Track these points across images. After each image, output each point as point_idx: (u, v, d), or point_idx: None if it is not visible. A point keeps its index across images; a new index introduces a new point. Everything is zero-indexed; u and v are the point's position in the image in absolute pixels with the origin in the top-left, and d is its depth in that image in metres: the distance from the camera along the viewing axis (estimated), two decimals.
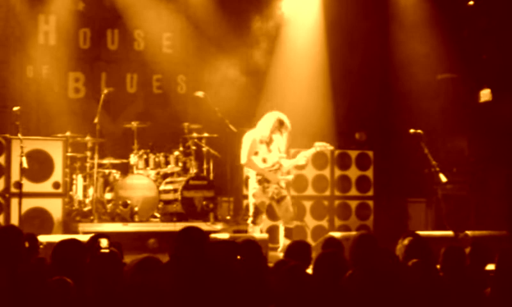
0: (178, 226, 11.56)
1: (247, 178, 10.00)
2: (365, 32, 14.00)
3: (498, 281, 5.09)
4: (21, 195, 10.28)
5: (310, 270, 5.41)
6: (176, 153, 12.49)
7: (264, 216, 9.91)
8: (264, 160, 9.69)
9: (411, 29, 13.65)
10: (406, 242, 6.11)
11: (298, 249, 6.33)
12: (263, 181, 9.67)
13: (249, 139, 9.71)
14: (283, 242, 9.64)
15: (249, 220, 9.80)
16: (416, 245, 6.06)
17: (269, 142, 9.72)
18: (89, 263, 5.26)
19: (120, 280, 4.94)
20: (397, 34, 13.82)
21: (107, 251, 5.91)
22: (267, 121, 9.73)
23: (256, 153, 9.67)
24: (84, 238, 6.43)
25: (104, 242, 6.12)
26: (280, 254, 9.12)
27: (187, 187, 11.99)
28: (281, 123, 9.69)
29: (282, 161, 9.79)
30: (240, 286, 5.38)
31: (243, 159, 9.75)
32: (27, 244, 6.20)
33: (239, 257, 6.04)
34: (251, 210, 9.75)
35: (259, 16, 13.90)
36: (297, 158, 10.09)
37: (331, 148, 10.30)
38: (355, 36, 13.93)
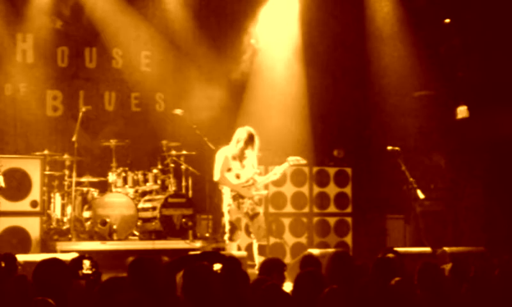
0: (156, 244, 11.57)
1: (221, 195, 10.01)
2: (342, 50, 14.09)
3: (474, 298, 5.13)
4: None
5: (284, 288, 5.41)
6: (155, 170, 12.45)
7: (240, 232, 9.95)
8: (238, 176, 9.74)
9: (388, 47, 13.76)
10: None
11: (272, 267, 6.35)
12: (237, 197, 9.72)
13: (221, 156, 9.77)
14: (258, 259, 9.65)
15: (226, 236, 9.83)
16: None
17: (242, 158, 9.76)
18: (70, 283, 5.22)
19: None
20: (374, 51, 13.91)
21: (89, 272, 5.88)
22: (237, 136, 9.77)
23: (229, 170, 9.72)
24: (62, 256, 6.39)
25: (86, 264, 6.09)
26: (257, 272, 9.13)
27: (165, 204, 11.96)
28: (251, 138, 9.72)
29: (256, 177, 9.84)
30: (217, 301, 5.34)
31: (216, 176, 9.80)
32: (3, 264, 6.16)
33: (220, 267, 6.01)
34: (227, 227, 9.79)
35: (237, 36, 13.95)
36: (270, 173, 10.16)
37: (304, 162, 10.29)
38: (332, 54, 14.01)
